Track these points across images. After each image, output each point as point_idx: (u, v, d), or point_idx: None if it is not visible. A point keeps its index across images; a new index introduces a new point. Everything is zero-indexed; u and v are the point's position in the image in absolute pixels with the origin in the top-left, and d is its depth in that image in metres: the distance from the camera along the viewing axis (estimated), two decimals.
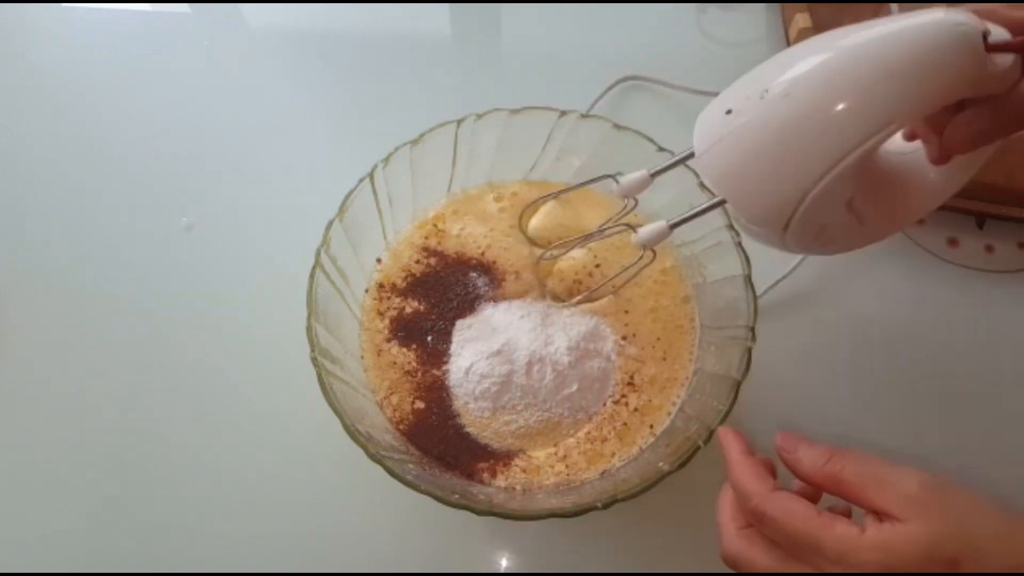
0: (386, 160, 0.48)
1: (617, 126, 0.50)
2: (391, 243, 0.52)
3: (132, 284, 0.57)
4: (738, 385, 0.42)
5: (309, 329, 0.43)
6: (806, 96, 0.31)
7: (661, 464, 0.41)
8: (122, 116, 0.65)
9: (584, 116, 0.50)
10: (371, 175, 0.48)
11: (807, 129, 0.31)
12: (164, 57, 0.68)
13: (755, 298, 0.44)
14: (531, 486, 0.45)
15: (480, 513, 0.39)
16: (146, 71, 0.68)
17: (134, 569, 0.48)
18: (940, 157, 0.35)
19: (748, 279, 0.45)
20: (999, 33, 0.31)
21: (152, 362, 0.54)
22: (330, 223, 0.46)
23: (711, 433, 0.40)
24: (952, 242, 0.58)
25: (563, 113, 0.50)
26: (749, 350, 0.43)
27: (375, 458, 0.39)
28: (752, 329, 0.43)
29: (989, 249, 0.58)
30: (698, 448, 0.40)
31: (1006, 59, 0.31)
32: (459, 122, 0.49)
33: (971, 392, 0.53)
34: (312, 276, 0.44)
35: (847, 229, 0.36)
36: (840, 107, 0.31)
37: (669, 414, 0.47)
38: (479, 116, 0.49)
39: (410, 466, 0.42)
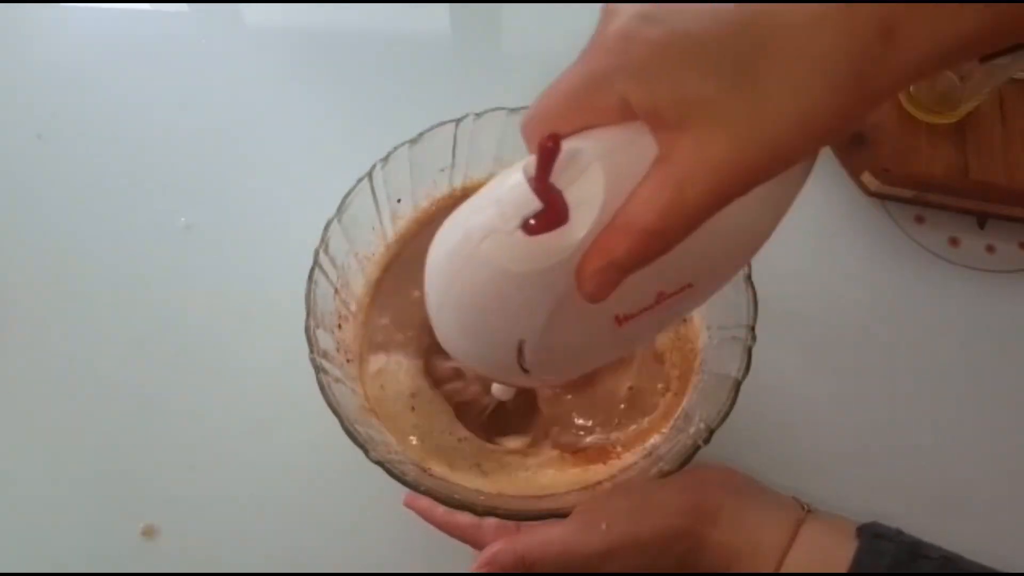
0: (385, 159, 0.48)
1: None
2: (390, 243, 0.52)
3: (130, 284, 0.57)
4: (738, 385, 0.41)
5: (307, 329, 0.43)
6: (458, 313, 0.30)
7: (661, 464, 0.41)
8: (121, 116, 0.65)
9: None
10: (370, 175, 0.47)
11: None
12: (162, 57, 0.68)
13: (755, 298, 0.44)
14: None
15: (480, 513, 0.39)
16: (144, 71, 0.67)
17: (134, 569, 0.48)
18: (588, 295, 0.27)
19: (748, 279, 0.45)
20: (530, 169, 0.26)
21: (149, 361, 0.54)
22: (329, 223, 0.46)
23: (711, 433, 0.40)
24: (953, 242, 0.58)
25: None
26: (749, 350, 0.42)
27: (374, 459, 0.39)
28: (752, 329, 0.43)
29: (990, 249, 0.58)
30: (698, 448, 0.40)
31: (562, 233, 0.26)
32: (458, 121, 0.49)
33: (972, 392, 0.53)
34: (311, 276, 0.44)
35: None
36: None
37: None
38: (478, 115, 0.49)
39: (410, 466, 0.42)
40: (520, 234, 0.26)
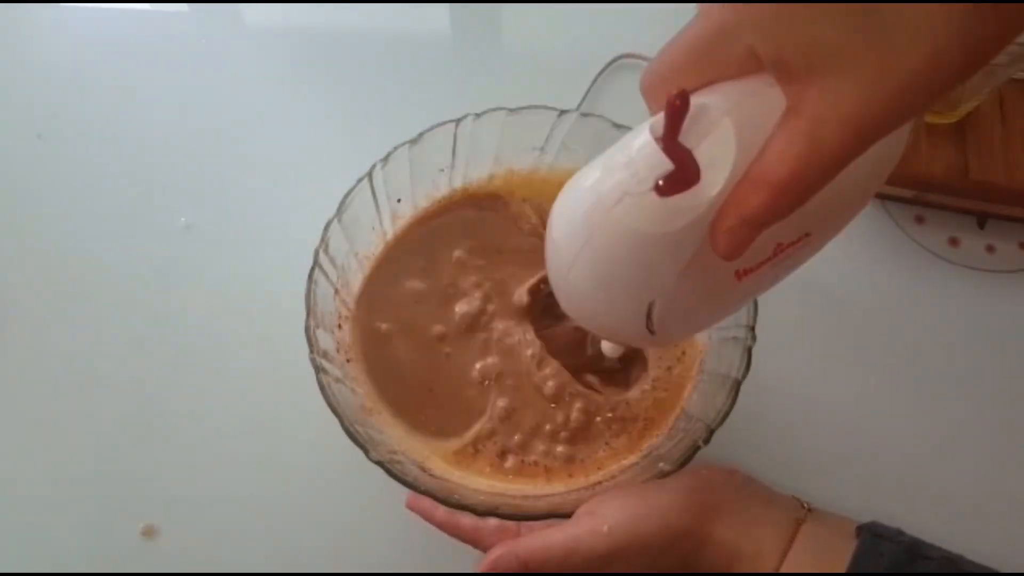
0: (385, 159, 0.48)
1: (616, 125, 0.50)
2: (390, 243, 0.52)
3: (130, 284, 0.57)
4: (738, 385, 0.42)
5: (307, 329, 0.43)
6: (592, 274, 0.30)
7: (661, 464, 0.41)
8: (121, 116, 0.65)
9: (583, 115, 0.50)
10: (370, 174, 0.47)
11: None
12: (162, 57, 0.68)
13: (755, 298, 0.44)
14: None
15: (480, 513, 0.39)
16: (144, 71, 0.67)
17: (134, 569, 0.48)
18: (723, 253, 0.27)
19: None
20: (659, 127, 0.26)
21: (149, 361, 0.54)
22: (329, 223, 0.46)
23: (711, 433, 0.40)
24: (953, 242, 0.58)
25: (562, 112, 0.50)
26: (749, 350, 0.42)
27: (374, 459, 0.39)
28: (752, 329, 0.43)
29: (990, 249, 0.58)
30: (698, 448, 0.40)
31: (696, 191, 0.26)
32: (458, 122, 0.49)
33: (971, 392, 0.53)
34: (311, 276, 0.44)
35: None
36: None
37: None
38: (478, 115, 0.49)
39: (409, 467, 0.42)
40: (653, 196, 0.26)
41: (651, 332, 0.31)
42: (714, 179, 0.25)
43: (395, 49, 0.68)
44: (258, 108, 0.66)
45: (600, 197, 0.28)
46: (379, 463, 0.39)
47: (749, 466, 0.50)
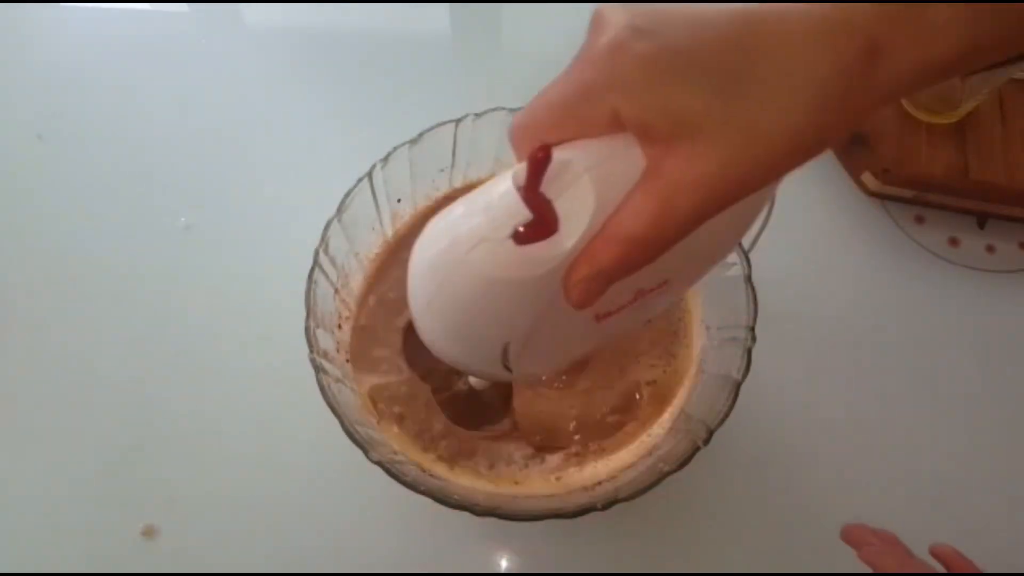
0: (385, 160, 0.48)
1: None
2: (390, 243, 0.52)
3: (130, 284, 0.57)
4: (738, 385, 0.41)
5: (307, 329, 0.43)
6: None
7: (661, 464, 0.41)
8: (121, 116, 0.65)
9: None
10: (370, 175, 0.47)
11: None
12: (162, 57, 0.68)
13: (755, 299, 0.44)
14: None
15: (480, 514, 0.39)
16: (144, 71, 0.68)
17: (134, 569, 0.48)
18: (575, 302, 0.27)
19: (748, 280, 0.45)
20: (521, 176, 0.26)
21: (149, 362, 0.54)
22: (328, 223, 0.46)
23: (711, 433, 0.40)
24: (953, 242, 0.58)
25: None
26: (749, 350, 0.42)
27: (374, 459, 0.39)
28: (752, 329, 0.43)
29: (990, 249, 0.58)
30: (698, 448, 0.40)
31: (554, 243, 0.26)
32: (458, 122, 0.49)
33: (972, 392, 0.53)
34: (311, 276, 0.44)
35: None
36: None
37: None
38: (478, 115, 0.49)
39: (409, 467, 0.42)
40: (510, 243, 0.26)
41: (508, 370, 0.32)
42: (571, 231, 0.26)
43: (395, 49, 0.68)
44: (258, 108, 0.66)
45: (456, 239, 0.28)
46: (379, 463, 0.39)
47: (749, 466, 0.51)
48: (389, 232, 0.52)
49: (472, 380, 0.45)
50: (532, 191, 0.26)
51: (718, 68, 0.22)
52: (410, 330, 0.46)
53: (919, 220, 0.59)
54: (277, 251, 0.55)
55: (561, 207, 0.26)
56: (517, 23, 0.70)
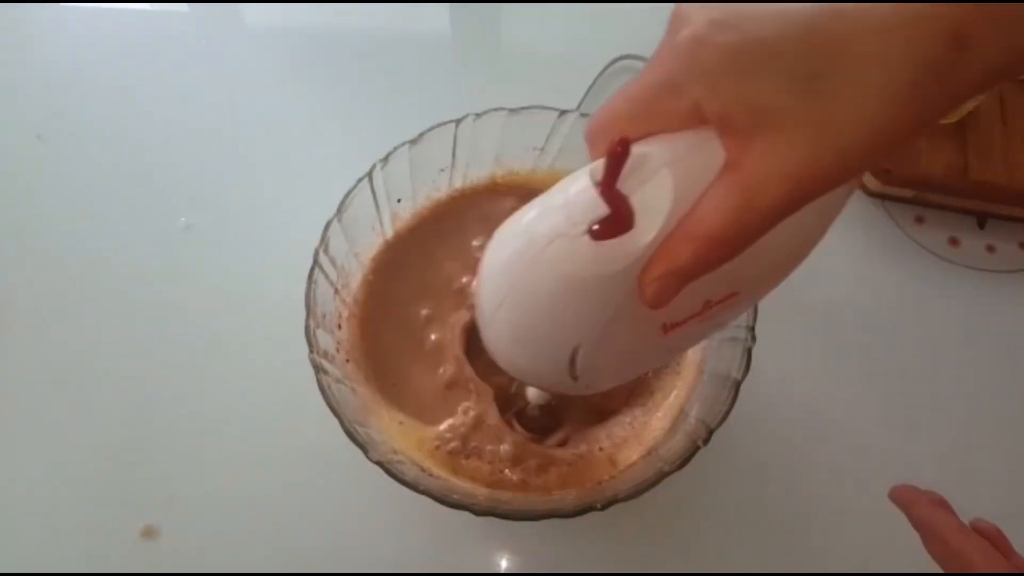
0: (385, 159, 0.48)
1: None
2: (390, 243, 0.52)
3: (130, 284, 0.57)
4: (738, 385, 0.41)
5: (307, 329, 0.43)
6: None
7: (661, 464, 0.41)
8: (121, 116, 0.65)
9: (583, 115, 0.50)
10: (370, 175, 0.47)
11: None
12: (162, 57, 0.68)
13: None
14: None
15: (480, 513, 0.39)
16: (144, 71, 0.68)
17: (134, 569, 0.48)
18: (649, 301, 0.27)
19: None
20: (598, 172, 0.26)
21: (149, 361, 0.54)
22: (329, 223, 0.46)
23: (711, 433, 0.40)
24: (953, 242, 0.58)
25: (562, 112, 0.50)
26: (749, 350, 0.42)
27: (374, 459, 0.39)
28: (752, 329, 0.43)
29: (990, 249, 0.58)
30: (698, 448, 0.40)
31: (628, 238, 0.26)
32: (458, 122, 0.49)
33: (972, 392, 0.53)
34: (311, 276, 0.44)
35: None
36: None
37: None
38: (478, 115, 0.49)
39: (409, 466, 0.42)
40: (586, 239, 0.26)
41: (574, 378, 0.31)
42: (648, 227, 0.25)
43: (395, 49, 0.68)
44: (258, 108, 0.66)
45: (533, 237, 0.28)
46: (379, 463, 0.39)
47: (748, 466, 0.51)
48: (389, 232, 0.52)
49: (530, 393, 0.44)
50: (609, 186, 0.26)
51: (800, 59, 0.22)
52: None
53: (919, 220, 0.59)
54: (277, 251, 0.55)
55: (638, 202, 0.26)
56: (517, 23, 0.70)
